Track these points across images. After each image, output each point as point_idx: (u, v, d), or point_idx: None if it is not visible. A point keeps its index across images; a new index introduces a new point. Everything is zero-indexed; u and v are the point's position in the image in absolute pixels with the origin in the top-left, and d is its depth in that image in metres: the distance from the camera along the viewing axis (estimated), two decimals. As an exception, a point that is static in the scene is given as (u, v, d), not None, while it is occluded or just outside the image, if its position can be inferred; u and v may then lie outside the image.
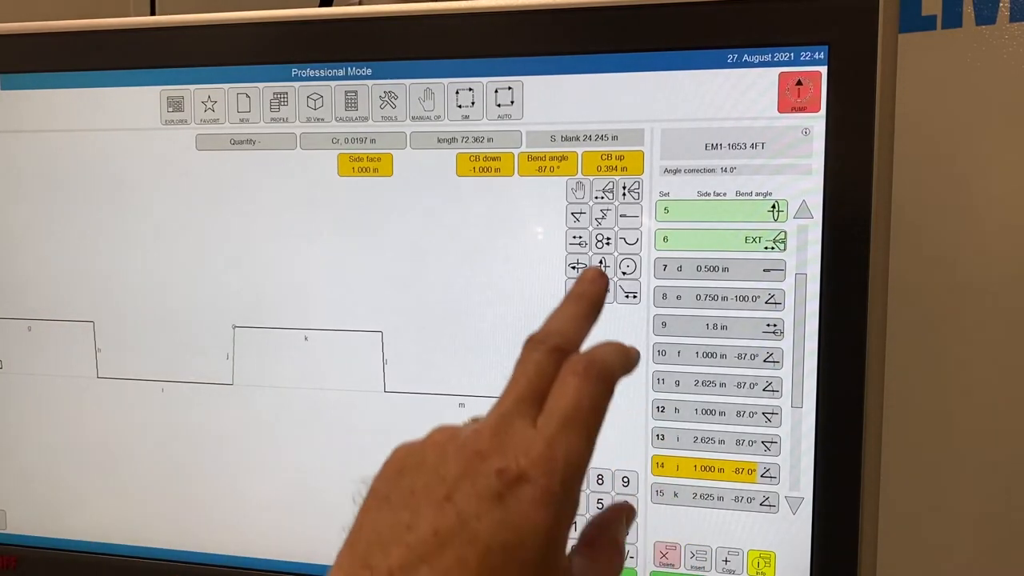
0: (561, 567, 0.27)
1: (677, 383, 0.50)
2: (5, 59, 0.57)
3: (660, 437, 0.51)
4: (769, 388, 0.49)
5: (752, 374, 0.49)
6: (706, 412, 0.50)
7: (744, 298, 0.49)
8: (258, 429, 0.56)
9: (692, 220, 0.49)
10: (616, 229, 0.50)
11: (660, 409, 0.51)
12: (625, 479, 0.52)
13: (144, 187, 0.57)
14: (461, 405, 0.53)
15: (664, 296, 0.50)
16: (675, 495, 0.51)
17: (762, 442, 0.50)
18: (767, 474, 0.50)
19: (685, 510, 0.51)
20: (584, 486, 0.52)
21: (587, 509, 0.52)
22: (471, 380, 0.53)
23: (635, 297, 0.50)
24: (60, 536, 0.61)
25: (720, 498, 0.51)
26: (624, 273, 0.50)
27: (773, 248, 0.48)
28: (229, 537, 0.58)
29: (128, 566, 0.59)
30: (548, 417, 0.28)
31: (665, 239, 0.50)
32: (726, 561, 0.51)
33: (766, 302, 0.49)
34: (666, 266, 0.50)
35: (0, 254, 0.59)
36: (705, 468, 0.51)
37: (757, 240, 0.48)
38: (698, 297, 0.50)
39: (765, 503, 0.50)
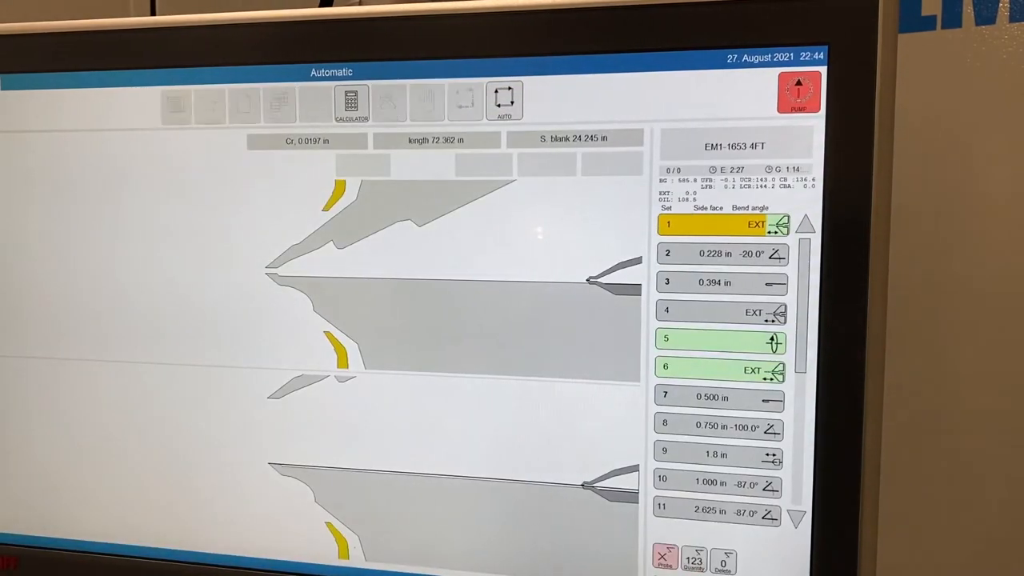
0: None
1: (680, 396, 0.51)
2: (5, 59, 0.57)
3: (664, 450, 0.51)
4: (772, 401, 0.49)
5: (755, 387, 0.49)
6: (709, 425, 0.50)
7: (748, 312, 0.49)
8: (261, 428, 0.57)
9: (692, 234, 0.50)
10: (616, 229, 0.50)
11: (664, 423, 0.51)
12: (628, 492, 0.52)
13: (144, 187, 0.57)
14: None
15: (667, 310, 0.50)
16: (678, 508, 0.51)
17: (766, 454, 0.50)
18: (769, 487, 0.50)
19: (687, 523, 0.51)
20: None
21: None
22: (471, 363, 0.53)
23: (637, 294, 0.50)
24: (60, 536, 0.61)
25: (722, 511, 0.51)
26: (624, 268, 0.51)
27: (775, 255, 0.48)
28: (230, 537, 0.58)
29: (129, 566, 0.59)
30: None
31: (668, 223, 0.50)
32: (722, 563, 0.51)
33: (766, 321, 0.49)
34: (669, 251, 0.50)
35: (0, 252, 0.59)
36: (708, 481, 0.51)
37: (759, 225, 0.49)
38: (700, 286, 0.50)
39: (767, 516, 0.50)
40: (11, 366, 0.60)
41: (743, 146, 0.48)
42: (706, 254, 0.49)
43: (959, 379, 0.67)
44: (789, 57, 0.47)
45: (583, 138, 0.50)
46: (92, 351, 0.59)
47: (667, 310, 0.50)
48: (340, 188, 0.54)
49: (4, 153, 0.58)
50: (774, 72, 0.48)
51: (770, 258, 0.49)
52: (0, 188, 0.59)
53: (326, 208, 0.54)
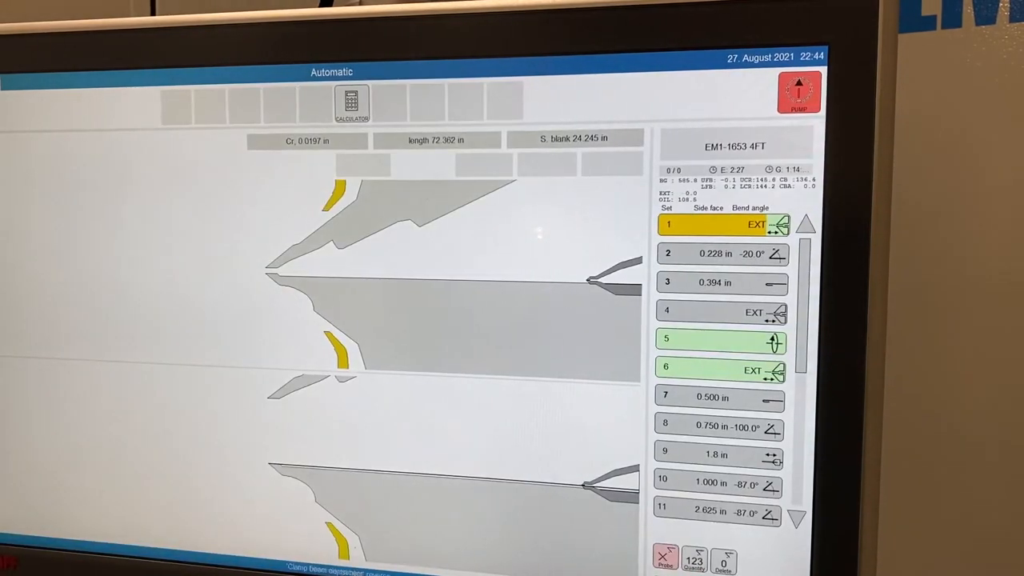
0: None
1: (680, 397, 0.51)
2: (5, 59, 0.57)
3: (664, 450, 0.51)
4: (772, 401, 0.49)
5: (755, 388, 0.49)
6: (709, 425, 0.50)
7: (748, 312, 0.49)
8: (262, 428, 0.57)
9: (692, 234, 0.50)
10: (616, 229, 0.50)
11: (664, 423, 0.51)
12: (628, 492, 0.52)
13: (144, 187, 0.57)
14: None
15: (667, 310, 0.50)
16: (678, 509, 0.51)
17: (766, 454, 0.50)
18: (769, 487, 0.50)
19: (687, 523, 0.51)
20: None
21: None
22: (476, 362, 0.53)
23: (637, 294, 0.50)
24: (60, 536, 0.61)
25: (723, 511, 0.51)
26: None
27: (775, 255, 0.48)
28: (230, 537, 0.58)
29: (128, 566, 0.59)
30: None
31: (668, 223, 0.50)
32: (723, 563, 0.51)
33: (767, 321, 0.49)
34: (669, 251, 0.50)
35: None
36: (708, 481, 0.51)
37: (760, 225, 0.49)
38: (700, 286, 0.50)
39: (768, 516, 0.50)
40: (11, 366, 0.60)
41: (743, 146, 0.48)
42: (706, 254, 0.49)
43: (959, 379, 0.67)
44: (789, 57, 0.47)
45: (583, 138, 0.50)
46: (92, 351, 0.59)
47: (667, 310, 0.50)
48: (340, 188, 0.54)
49: (4, 153, 0.58)
50: (774, 72, 0.48)
51: (770, 258, 0.49)
52: (1, 188, 0.59)
53: (326, 208, 0.54)
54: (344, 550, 0.56)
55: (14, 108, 0.58)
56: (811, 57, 0.47)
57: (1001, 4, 0.63)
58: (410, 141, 0.53)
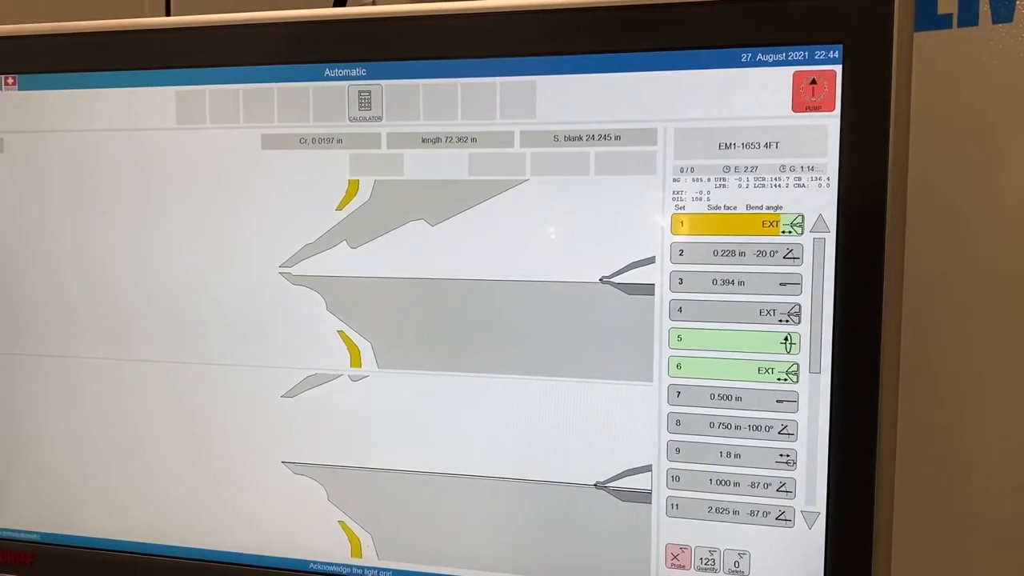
0: None
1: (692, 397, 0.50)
2: (23, 60, 0.58)
3: (677, 451, 0.51)
4: (786, 401, 0.49)
5: (769, 388, 0.49)
6: (722, 425, 0.50)
7: (762, 312, 0.49)
8: (275, 427, 0.57)
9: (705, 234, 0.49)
10: (629, 229, 0.50)
11: (677, 423, 0.51)
12: (641, 492, 0.52)
13: (159, 186, 0.57)
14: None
15: (680, 309, 0.50)
16: (691, 509, 0.51)
17: (779, 455, 0.49)
18: (783, 488, 0.50)
19: (700, 523, 0.51)
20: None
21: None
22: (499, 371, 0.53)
23: (650, 294, 0.50)
24: (74, 533, 0.61)
25: (736, 512, 0.50)
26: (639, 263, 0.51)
27: (789, 255, 0.48)
28: (242, 535, 0.58)
29: (142, 563, 0.60)
30: None
31: (681, 223, 0.50)
32: (736, 564, 0.51)
33: (780, 321, 0.49)
34: (683, 251, 0.50)
35: (16, 251, 0.60)
36: (721, 482, 0.50)
37: (774, 225, 0.48)
38: (714, 286, 0.50)
39: (781, 517, 0.50)
40: (29, 363, 0.61)
41: (757, 145, 0.48)
42: (720, 254, 0.49)
43: (975, 380, 0.66)
44: (803, 56, 0.47)
45: (596, 137, 0.50)
46: (107, 350, 0.59)
47: (680, 310, 0.50)
48: (353, 188, 0.54)
49: (22, 153, 0.59)
50: (788, 71, 0.47)
51: (784, 258, 0.48)
52: (18, 187, 0.59)
53: (339, 207, 0.54)
54: (356, 548, 0.57)
55: (32, 108, 0.58)
56: (826, 56, 0.47)
57: (1018, 2, 0.62)
58: (423, 141, 0.53)
